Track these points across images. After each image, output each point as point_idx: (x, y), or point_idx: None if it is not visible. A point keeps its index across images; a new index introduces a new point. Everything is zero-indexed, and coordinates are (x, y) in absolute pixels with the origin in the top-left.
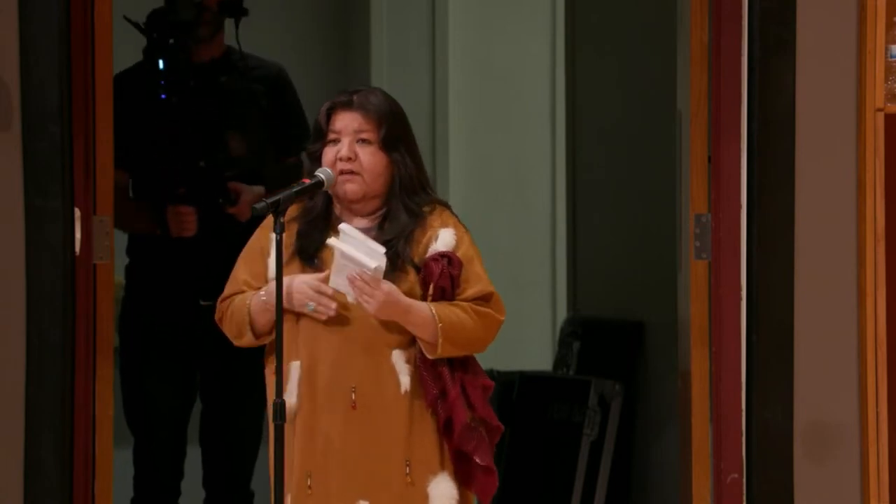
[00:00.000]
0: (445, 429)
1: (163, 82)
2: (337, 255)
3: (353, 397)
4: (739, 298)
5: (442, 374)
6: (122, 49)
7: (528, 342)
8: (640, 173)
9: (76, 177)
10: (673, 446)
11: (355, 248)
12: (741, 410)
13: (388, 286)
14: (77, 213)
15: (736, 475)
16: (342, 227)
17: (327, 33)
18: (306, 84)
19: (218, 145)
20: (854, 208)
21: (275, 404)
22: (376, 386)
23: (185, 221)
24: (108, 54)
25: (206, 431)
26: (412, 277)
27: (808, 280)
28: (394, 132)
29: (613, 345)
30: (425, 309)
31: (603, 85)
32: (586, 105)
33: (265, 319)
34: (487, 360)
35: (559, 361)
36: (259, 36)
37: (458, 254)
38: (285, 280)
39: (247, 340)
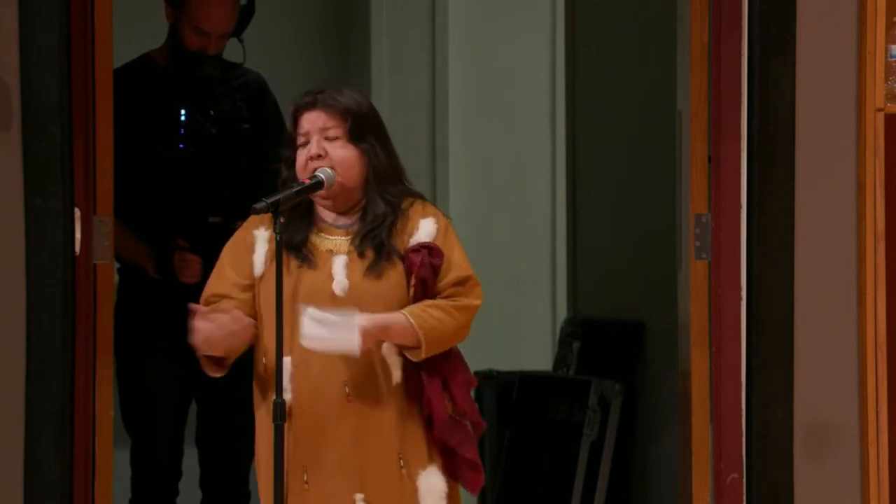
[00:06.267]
0: (428, 423)
1: (182, 131)
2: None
3: (347, 390)
4: (739, 298)
5: (419, 370)
6: (123, 49)
7: (528, 342)
8: (640, 173)
9: (76, 177)
10: (673, 446)
11: (324, 328)
12: (741, 410)
13: (360, 321)
14: (77, 213)
15: (736, 475)
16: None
17: (327, 34)
18: (306, 84)
19: (228, 198)
20: (854, 208)
21: (275, 404)
22: (369, 379)
23: (191, 269)
24: (108, 54)
25: (202, 431)
26: (398, 267)
27: (808, 280)
28: (360, 123)
29: (613, 345)
30: (403, 320)
31: (603, 85)
32: (586, 105)
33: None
34: (487, 360)
35: (559, 361)
36: (259, 36)
37: (437, 241)
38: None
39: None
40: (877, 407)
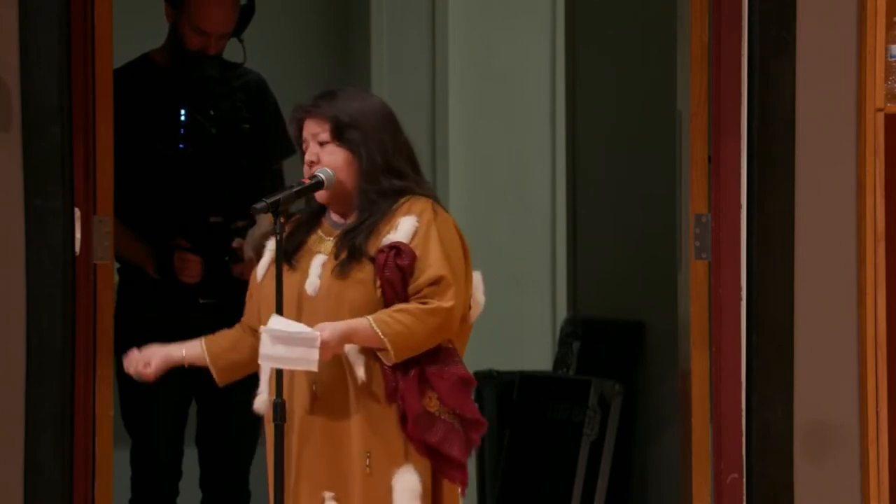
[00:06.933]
0: (403, 421)
1: (182, 131)
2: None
3: (315, 388)
4: (739, 298)
5: (395, 367)
6: (123, 49)
7: (528, 342)
8: (640, 173)
9: (76, 177)
10: (673, 446)
11: (282, 345)
12: (741, 410)
13: (322, 335)
14: (77, 213)
15: (736, 475)
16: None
17: (327, 34)
18: (306, 84)
19: (228, 198)
20: (854, 208)
21: (275, 404)
22: (336, 378)
23: (191, 269)
24: (108, 54)
25: (203, 431)
26: (367, 268)
27: (808, 280)
28: (346, 126)
29: (613, 345)
30: (367, 327)
31: (603, 85)
32: (586, 105)
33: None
34: (487, 360)
35: (559, 361)
36: (259, 36)
37: (415, 241)
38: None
39: None
40: (877, 407)
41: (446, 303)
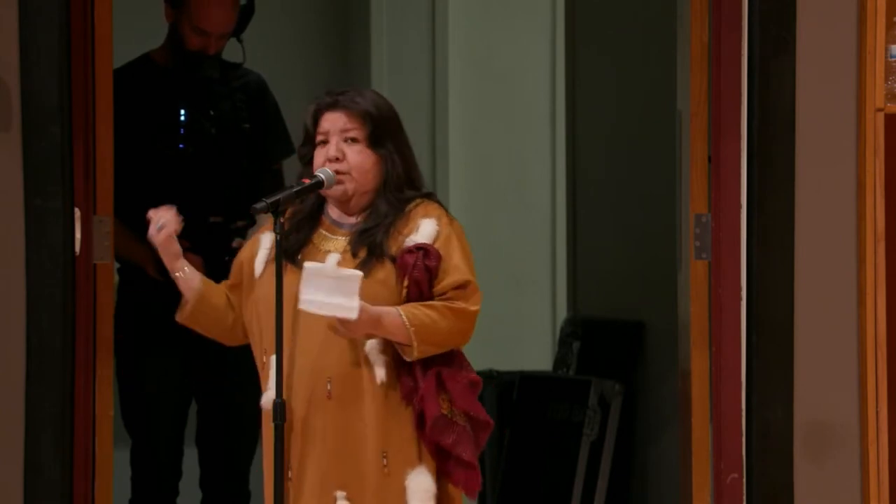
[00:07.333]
0: (419, 423)
1: (182, 131)
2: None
3: (329, 387)
4: (739, 298)
5: (414, 368)
6: (123, 49)
7: (528, 342)
8: (640, 173)
9: (76, 177)
10: (673, 446)
11: (327, 293)
12: (741, 410)
13: (359, 307)
14: (77, 213)
15: (736, 475)
16: (306, 268)
17: (327, 34)
18: (306, 84)
19: (228, 198)
20: (854, 208)
21: (275, 404)
22: (352, 377)
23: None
24: (108, 54)
25: (203, 431)
26: (388, 267)
27: (808, 280)
28: (380, 129)
29: (613, 345)
30: (395, 315)
31: (603, 85)
32: (586, 105)
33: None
34: (487, 360)
35: (559, 361)
36: (259, 36)
37: (438, 244)
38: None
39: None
40: (877, 407)
41: (472, 307)
